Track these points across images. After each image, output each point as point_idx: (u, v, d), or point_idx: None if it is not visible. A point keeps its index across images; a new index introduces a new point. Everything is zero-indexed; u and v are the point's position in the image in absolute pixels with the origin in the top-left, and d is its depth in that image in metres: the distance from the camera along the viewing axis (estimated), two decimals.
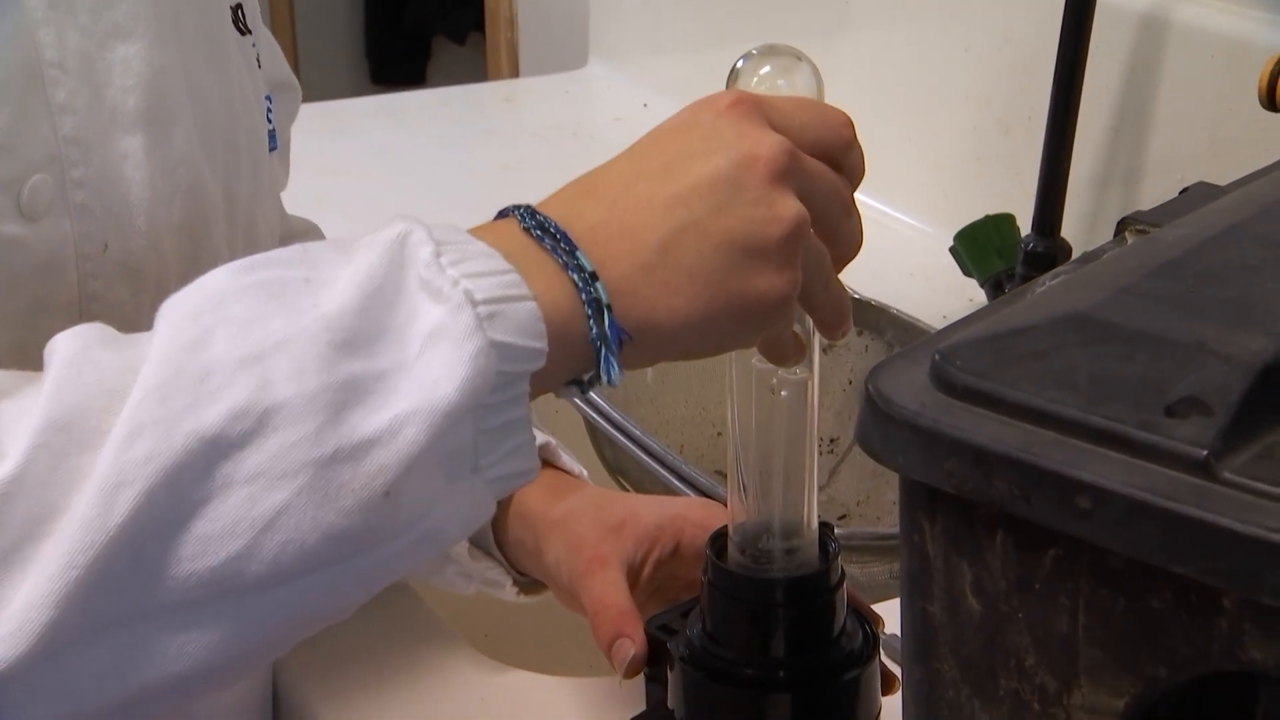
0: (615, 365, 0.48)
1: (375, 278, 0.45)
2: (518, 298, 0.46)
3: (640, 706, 0.62)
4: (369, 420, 0.44)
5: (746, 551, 0.60)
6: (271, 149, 0.70)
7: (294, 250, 0.47)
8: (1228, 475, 0.38)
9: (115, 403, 0.43)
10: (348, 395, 0.44)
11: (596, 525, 0.65)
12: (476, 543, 0.71)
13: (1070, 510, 0.39)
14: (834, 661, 0.60)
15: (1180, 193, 0.53)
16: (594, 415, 0.94)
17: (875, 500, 1.03)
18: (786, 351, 0.54)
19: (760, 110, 0.50)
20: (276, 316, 0.44)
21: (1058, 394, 0.41)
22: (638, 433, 0.92)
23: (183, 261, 0.61)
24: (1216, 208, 0.50)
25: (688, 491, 0.87)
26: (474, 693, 0.73)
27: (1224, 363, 0.40)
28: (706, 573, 0.61)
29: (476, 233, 0.48)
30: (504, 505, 0.70)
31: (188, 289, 0.46)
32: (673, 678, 0.61)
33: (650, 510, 0.66)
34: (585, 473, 0.72)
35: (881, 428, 0.43)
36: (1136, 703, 0.41)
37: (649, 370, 1.04)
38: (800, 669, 0.59)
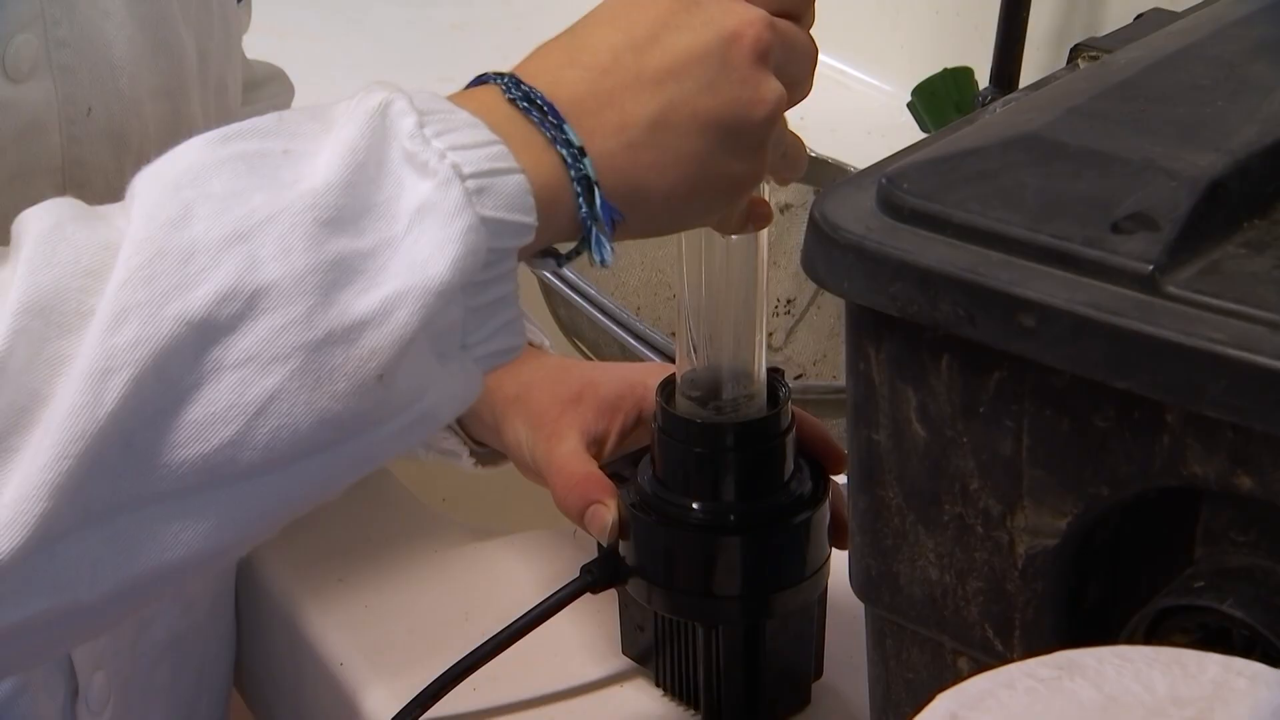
0: (607, 245, 0.46)
1: (358, 151, 0.43)
2: (506, 170, 0.44)
3: (592, 554, 0.63)
4: (360, 301, 0.43)
5: (695, 397, 0.60)
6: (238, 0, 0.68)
7: (269, 120, 0.45)
8: (1172, 289, 0.37)
9: (94, 282, 0.42)
10: (337, 275, 0.42)
11: (554, 398, 0.65)
12: None
13: (1015, 329, 0.39)
14: (783, 505, 0.60)
15: (1135, 19, 0.52)
16: (549, 276, 0.93)
17: (831, 359, 1.03)
18: (744, 221, 0.54)
19: None
20: (258, 191, 0.43)
21: (1004, 213, 0.40)
22: (593, 292, 0.91)
23: (162, 125, 0.60)
24: (1170, 31, 0.49)
25: (643, 349, 0.87)
26: (429, 549, 0.73)
27: (1171, 179, 0.40)
28: (656, 419, 0.60)
29: (457, 100, 0.46)
30: None
31: (161, 161, 0.44)
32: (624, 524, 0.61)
33: (609, 379, 0.66)
34: (548, 342, 0.71)
35: (827, 253, 0.43)
36: (1079, 522, 0.41)
37: None
38: (750, 513, 0.59)
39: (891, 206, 0.42)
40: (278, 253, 0.42)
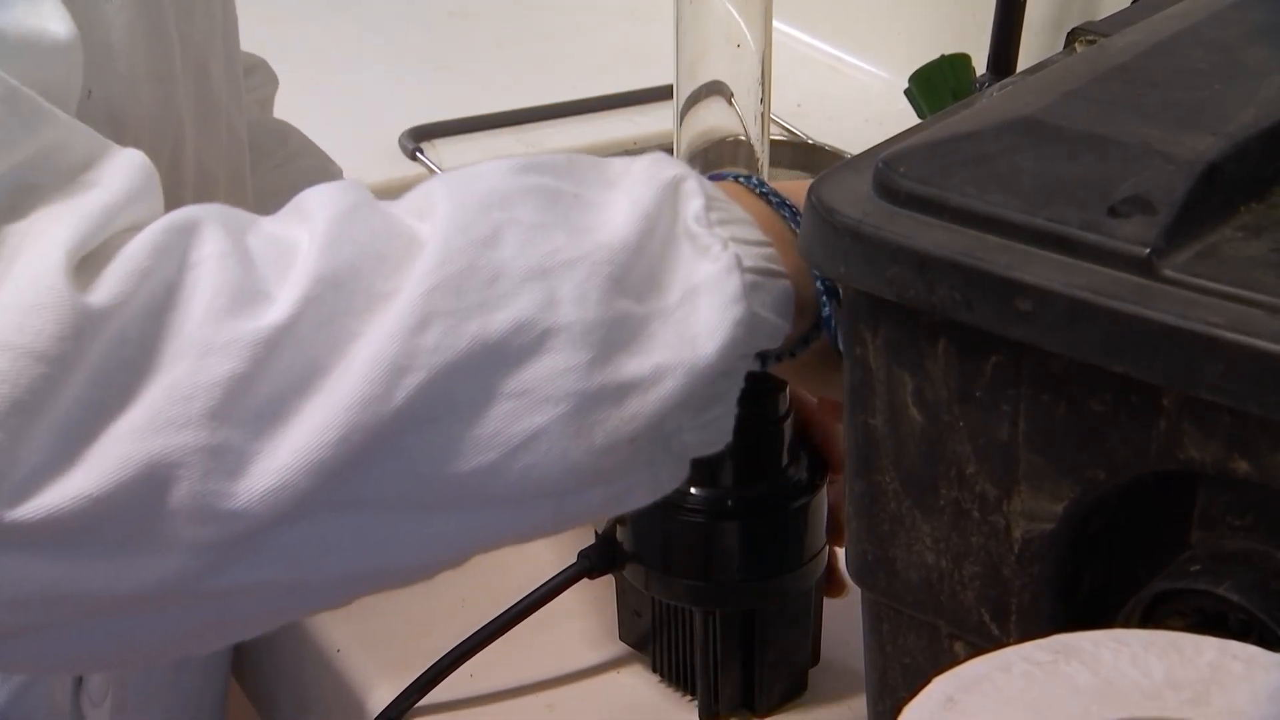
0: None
1: (652, 218, 0.45)
2: (776, 274, 0.46)
3: (589, 540, 0.63)
4: (632, 364, 0.44)
5: None
6: None
7: (558, 160, 0.47)
8: (1169, 273, 0.37)
9: (382, 267, 0.43)
10: (619, 334, 0.44)
11: None
12: None
13: (1011, 313, 0.39)
14: (782, 490, 0.60)
15: (1132, 2, 0.52)
16: None
17: None
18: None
19: None
20: (559, 230, 0.44)
21: (1001, 197, 0.40)
22: None
23: (155, 109, 0.60)
24: (1167, 15, 0.49)
25: None
26: None
27: (1168, 162, 0.40)
28: None
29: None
30: None
31: (460, 179, 0.45)
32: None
33: None
34: None
35: (824, 237, 0.42)
36: (1075, 506, 0.41)
37: None
38: (748, 498, 0.59)
39: (888, 190, 0.42)
40: (575, 298, 0.43)
